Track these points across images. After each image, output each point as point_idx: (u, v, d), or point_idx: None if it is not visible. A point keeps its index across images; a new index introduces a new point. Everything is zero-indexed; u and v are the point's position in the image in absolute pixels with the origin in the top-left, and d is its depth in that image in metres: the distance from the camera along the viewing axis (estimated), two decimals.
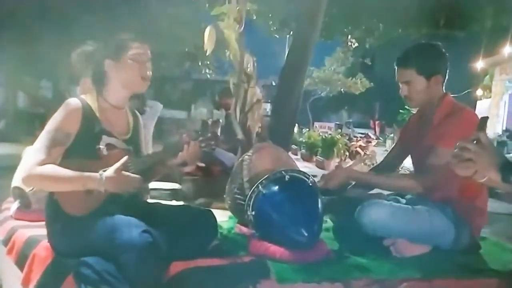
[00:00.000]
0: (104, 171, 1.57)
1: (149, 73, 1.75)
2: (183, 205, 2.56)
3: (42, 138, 1.59)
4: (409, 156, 2.30)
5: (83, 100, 1.69)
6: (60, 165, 1.58)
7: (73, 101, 1.66)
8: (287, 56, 5.29)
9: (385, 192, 2.30)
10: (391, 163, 2.38)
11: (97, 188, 1.57)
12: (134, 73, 1.71)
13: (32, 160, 1.56)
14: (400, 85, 2.10)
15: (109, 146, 1.68)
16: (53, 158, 1.57)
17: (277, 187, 1.93)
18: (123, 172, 1.59)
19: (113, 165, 1.58)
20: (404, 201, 2.18)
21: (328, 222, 2.24)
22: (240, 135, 3.07)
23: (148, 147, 1.94)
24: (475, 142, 1.11)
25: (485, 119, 1.19)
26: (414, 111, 2.44)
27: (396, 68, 2.10)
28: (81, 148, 1.63)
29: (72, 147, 1.62)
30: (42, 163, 1.55)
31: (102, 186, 1.56)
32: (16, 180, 2.19)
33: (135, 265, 1.42)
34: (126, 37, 1.75)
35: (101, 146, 1.66)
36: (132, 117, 1.87)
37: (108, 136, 1.69)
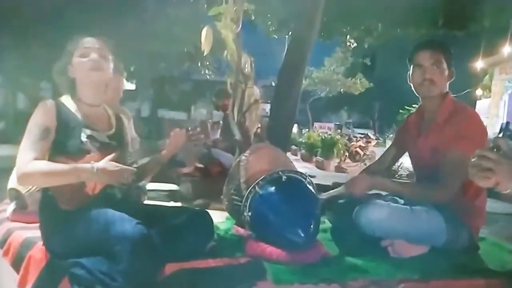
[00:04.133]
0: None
1: (98, 61, 1.74)
2: (179, 206, 2.56)
3: (25, 138, 1.64)
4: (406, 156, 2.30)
5: (56, 99, 1.75)
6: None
7: (46, 100, 1.72)
8: (285, 56, 5.28)
9: (383, 193, 2.29)
10: (385, 163, 2.37)
11: (90, 179, 1.61)
12: (84, 68, 1.73)
13: (22, 159, 1.58)
14: (422, 69, 2.02)
15: (91, 139, 1.71)
16: (41, 153, 1.61)
17: (273, 188, 1.93)
18: (113, 163, 1.61)
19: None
20: (402, 201, 2.17)
21: (325, 223, 2.24)
22: (238, 136, 3.06)
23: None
24: (495, 150, 1.03)
25: (506, 125, 1.11)
26: (413, 110, 2.41)
27: (418, 52, 2.04)
28: (65, 144, 1.66)
29: (56, 144, 1.65)
30: (32, 159, 1.58)
31: (95, 176, 1.58)
32: (12, 182, 2.19)
33: (130, 257, 1.42)
34: (77, 37, 1.78)
35: (83, 139, 1.68)
36: (113, 114, 1.90)
37: (88, 129, 1.73)
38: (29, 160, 1.57)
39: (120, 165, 1.63)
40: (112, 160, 1.61)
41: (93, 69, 1.73)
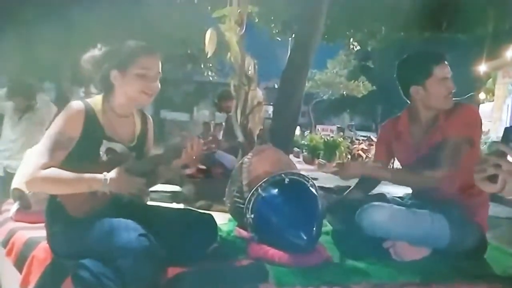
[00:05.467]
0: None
1: (155, 88, 1.69)
2: (183, 208, 2.55)
3: (45, 141, 1.58)
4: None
5: (86, 103, 1.66)
6: (60, 168, 1.56)
7: (76, 104, 1.64)
8: (288, 59, 5.30)
9: (387, 194, 2.29)
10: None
11: (102, 190, 1.57)
12: (137, 88, 1.65)
13: (35, 163, 1.55)
14: (447, 82, 2.02)
15: (109, 150, 1.66)
16: (56, 162, 1.56)
17: (276, 190, 1.93)
18: (125, 174, 1.59)
19: (114, 168, 1.59)
20: (405, 204, 2.17)
21: (327, 226, 2.24)
22: (240, 138, 3.06)
23: None
24: (499, 155, 1.03)
25: (509, 129, 1.10)
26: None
27: (439, 64, 2.02)
28: (82, 152, 1.62)
29: (74, 151, 1.61)
30: (45, 166, 1.54)
31: (106, 187, 1.56)
32: (16, 182, 2.20)
33: (132, 269, 1.42)
34: (136, 47, 1.68)
35: (101, 152, 1.64)
36: (140, 124, 1.82)
37: (108, 141, 1.67)
38: (42, 166, 1.53)
39: (132, 176, 1.60)
40: (124, 167, 1.59)
41: (148, 95, 1.67)
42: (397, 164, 2.41)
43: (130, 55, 1.66)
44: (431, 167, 1.94)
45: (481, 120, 2.07)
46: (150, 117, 1.91)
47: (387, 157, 2.31)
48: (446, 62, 2.04)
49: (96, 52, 1.71)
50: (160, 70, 1.71)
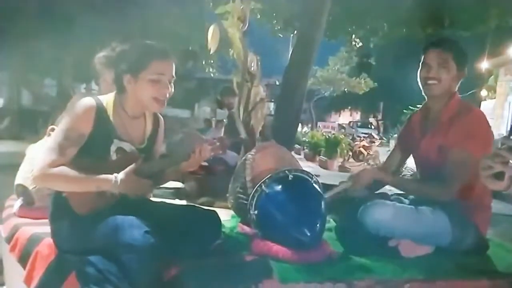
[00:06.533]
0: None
1: (168, 93, 1.67)
2: (188, 205, 2.56)
3: (56, 138, 1.58)
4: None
5: (98, 100, 1.65)
6: (70, 165, 1.56)
7: (88, 100, 1.62)
8: (291, 55, 5.28)
9: (389, 193, 2.29)
10: (391, 167, 2.34)
11: (111, 190, 1.58)
12: (149, 94, 1.64)
13: (45, 160, 1.54)
14: (427, 68, 2.03)
15: (119, 150, 1.66)
16: (66, 159, 1.56)
17: (280, 187, 1.92)
18: (134, 176, 1.59)
19: (123, 168, 1.59)
20: (407, 201, 2.17)
21: (331, 222, 2.24)
22: (243, 134, 3.06)
23: None
24: (506, 151, 1.03)
25: None
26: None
27: (426, 51, 2.04)
28: (93, 150, 1.62)
29: (84, 148, 1.60)
30: (55, 163, 1.54)
31: (116, 188, 1.57)
32: (20, 178, 2.20)
33: (137, 265, 1.43)
34: (150, 50, 1.65)
35: (111, 151, 1.64)
36: (151, 125, 1.81)
37: (119, 140, 1.67)
38: (51, 163, 1.53)
39: (139, 178, 1.61)
40: (133, 169, 1.59)
41: (159, 102, 1.66)
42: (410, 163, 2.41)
43: (144, 59, 1.63)
44: (436, 181, 1.93)
45: (488, 130, 1.98)
46: (162, 118, 1.88)
47: (405, 150, 2.32)
48: (437, 49, 2.02)
49: (109, 52, 1.70)
50: (174, 74, 1.68)
